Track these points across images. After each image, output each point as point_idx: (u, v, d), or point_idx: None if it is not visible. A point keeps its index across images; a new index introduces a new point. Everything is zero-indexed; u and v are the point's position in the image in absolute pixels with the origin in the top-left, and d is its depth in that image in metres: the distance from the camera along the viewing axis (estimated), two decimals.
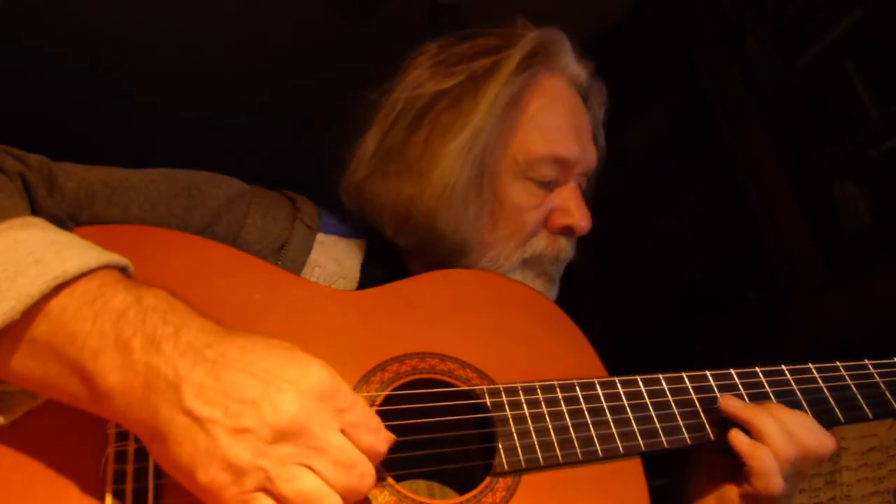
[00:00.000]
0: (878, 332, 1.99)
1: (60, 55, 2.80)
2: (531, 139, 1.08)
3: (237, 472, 0.60)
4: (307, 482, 0.61)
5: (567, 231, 1.11)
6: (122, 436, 0.71)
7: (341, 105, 1.18)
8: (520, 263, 1.09)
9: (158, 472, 0.70)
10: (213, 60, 2.96)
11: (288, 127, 3.19)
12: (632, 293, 2.96)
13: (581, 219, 1.10)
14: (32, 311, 0.64)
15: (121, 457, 0.71)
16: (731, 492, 0.93)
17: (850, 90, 2.23)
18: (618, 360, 1.00)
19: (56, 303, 0.65)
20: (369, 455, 0.66)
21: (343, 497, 0.63)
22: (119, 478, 0.70)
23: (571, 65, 1.16)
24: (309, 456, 0.62)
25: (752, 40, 2.52)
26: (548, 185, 1.10)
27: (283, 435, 0.61)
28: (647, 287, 2.90)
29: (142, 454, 0.71)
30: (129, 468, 0.70)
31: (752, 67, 2.51)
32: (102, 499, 0.69)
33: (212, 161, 1.10)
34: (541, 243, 1.10)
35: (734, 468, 0.93)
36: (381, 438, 0.67)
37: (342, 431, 0.64)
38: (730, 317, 2.54)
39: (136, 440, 0.71)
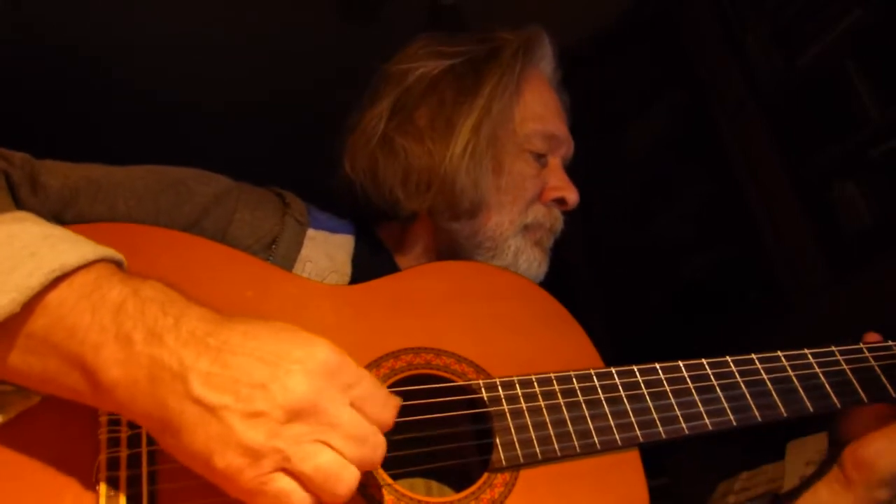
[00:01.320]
0: (878, 332, 1.98)
1: (59, 56, 2.80)
2: (528, 115, 1.19)
3: (254, 454, 0.61)
4: (324, 457, 0.62)
5: (560, 202, 1.21)
6: (114, 441, 0.71)
7: (341, 105, 1.19)
8: (521, 228, 1.16)
9: (152, 478, 0.70)
10: (213, 60, 2.96)
11: (288, 127, 3.19)
12: (632, 293, 2.96)
13: (572, 191, 1.21)
14: (30, 305, 0.64)
15: (113, 463, 0.70)
16: None
17: (850, 90, 2.23)
18: (618, 360, 1.00)
19: (54, 296, 0.65)
20: (378, 426, 0.67)
21: (358, 468, 0.65)
22: (112, 483, 0.69)
23: (551, 66, 1.29)
24: (323, 432, 0.63)
25: (752, 40, 2.52)
26: (541, 159, 1.20)
27: (295, 414, 0.62)
28: (647, 287, 2.89)
29: (134, 460, 0.70)
30: (122, 474, 0.70)
31: (752, 67, 2.51)
32: None
33: (211, 161, 1.10)
34: (540, 211, 1.18)
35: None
36: (388, 410, 0.68)
37: (351, 405, 0.65)
38: (730, 317, 2.54)
39: (128, 446, 0.71)
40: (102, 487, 0.68)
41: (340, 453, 0.63)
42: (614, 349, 1.03)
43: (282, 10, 2.78)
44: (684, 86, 2.76)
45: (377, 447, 0.66)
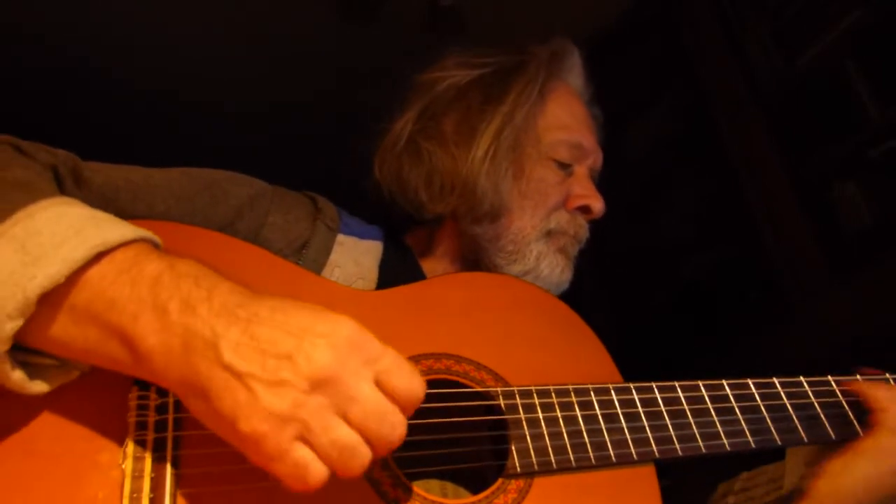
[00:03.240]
0: (878, 332, 1.99)
1: (59, 56, 2.80)
2: (553, 124, 1.21)
3: (277, 421, 0.63)
4: (341, 431, 0.64)
5: (584, 210, 1.21)
6: (142, 425, 0.73)
7: (341, 103, 1.20)
8: (544, 233, 1.18)
9: (176, 462, 0.72)
10: (213, 60, 2.95)
11: (287, 126, 3.19)
12: (632, 293, 2.96)
13: (597, 200, 1.21)
14: (74, 278, 0.67)
15: (140, 445, 0.72)
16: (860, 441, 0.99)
17: (850, 90, 2.23)
18: (618, 359, 1.00)
19: (95, 271, 0.68)
20: (407, 398, 0.68)
21: (374, 447, 0.66)
22: (138, 464, 0.71)
23: (581, 79, 1.32)
24: (343, 405, 0.65)
25: (752, 40, 2.52)
26: (566, 169, 1.21)
27: (318, 385, 0.64)
28: (647, 287, 2.90)
29: (160, 444, 0.72)
30: (147, 457, 0.72)
31: (752, 67, 2.51)
32: (121, 486, 0.70)
33: (211, 160, 1.10)
34: (563, 218, 1.19)
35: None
36: (416, 381, 0.69)
37: (376, 380, 0.67)
38: (730, 317, 2.54)
39: (155, 430, 0.73)
40: (128, 468, 0.71)
41: (358, 427, 0.65)
42: (614, 349, 1.04)
43: (281, 9, 2.77)
44: (684, 86, 2.76)
45: (396, 426, 0.67)
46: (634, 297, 2.95)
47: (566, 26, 1.31)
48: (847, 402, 1.03)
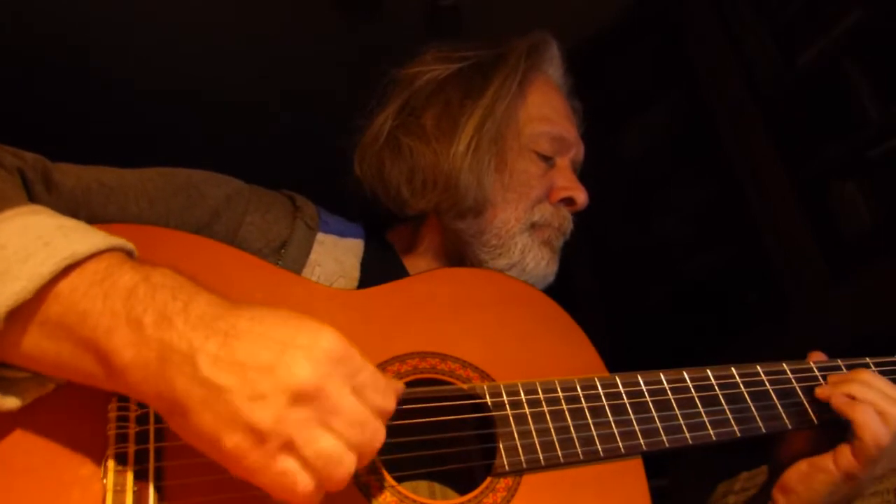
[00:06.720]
0: (877, 332, 1.98)
1: (60, 56, 2.80)
2: (533, 116, 1.21)
3: (260, 436, 0.61)
4: (326, 442, 0.64)
5: (568, 202, 1.21)
6: (122, 437, 0.71)
7: (340, 102, 1.20)
8: (528, 226, 1.17)
9: (159, 474, 0.71)
10: (213, 59, 2.96)
11: (287, 125, 3.20)
12: (632, 293, 2.96)
13: (580, 191, 1.20)
14: (43, 293, 0.65)
15: (121, 458, 0.71)
16: (825, 460, 0.97)
17: (850, 90, 2.23)
18: (617, 360, 1.00)
19: (66, 284, 0.66)
20: (379, 414, 0.68)
21: (357, 454, 0.66)
22: (119, 477, 0.70)
23: (560, 71, 1.32)
24: (325, 418, 0.64)
25: (752, 40, 2.52)
26: (548, 161, 1.21)
27: (299, 398, 0.63)
28: (647, 287, 2.89)
29: (142, 456, 0.71)
30: (129, 470, 0.70)
31: (751, 67, 2.51)
32: (103, 500, 0.69)
33: (211, 160, 1.10)
34: (547, 210, 1.18)
35: (825, 443, 0.98)
36: (389, 399, 0.69)
37: (352, 393, 0.66)
38: (730, 317, 2.54)
39: (136, 442, 0.72)
40: (110, 482, 0.69)
41: (341, 438, 0.64)
42: (614, 350, 1.04)
43: (281, 7, 2.77)
44: (684, 86, 2.76)
45: (376, 434, 0.67)
46: (633, 297, 2.95)
47: (566, 26, 1.31)
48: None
